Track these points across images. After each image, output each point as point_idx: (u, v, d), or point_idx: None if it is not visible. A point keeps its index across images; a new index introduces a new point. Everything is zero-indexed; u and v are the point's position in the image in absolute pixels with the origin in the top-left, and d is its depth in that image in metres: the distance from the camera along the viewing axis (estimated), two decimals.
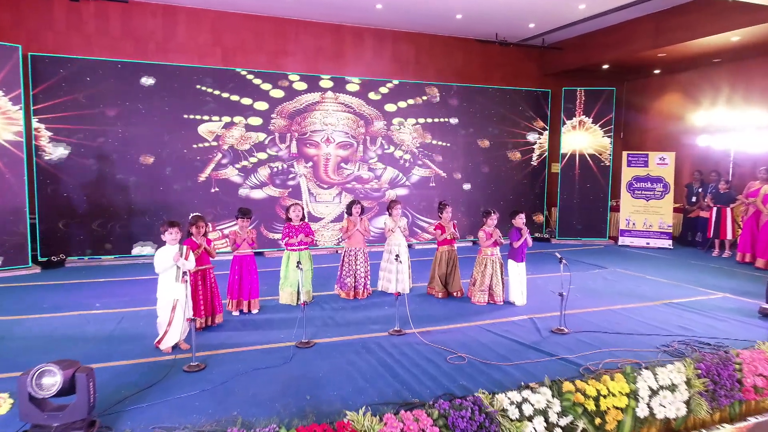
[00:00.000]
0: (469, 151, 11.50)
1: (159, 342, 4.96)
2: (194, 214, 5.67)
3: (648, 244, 11.21)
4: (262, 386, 4.20)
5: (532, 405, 3.67)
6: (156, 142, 9.26)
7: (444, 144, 11.26)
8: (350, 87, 10.43)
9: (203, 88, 9.46)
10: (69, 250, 8.86)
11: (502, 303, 6.66)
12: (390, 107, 10.74)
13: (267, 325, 5.80)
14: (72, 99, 8.71)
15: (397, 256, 5.76)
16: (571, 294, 7.07)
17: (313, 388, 4.18)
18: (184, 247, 5.03)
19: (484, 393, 3.66)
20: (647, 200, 11.32)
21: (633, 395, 3.97)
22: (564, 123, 11.84)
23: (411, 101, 10.91)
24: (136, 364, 4.64)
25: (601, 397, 3.87)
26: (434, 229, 7.18)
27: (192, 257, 5.09)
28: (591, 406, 3.80)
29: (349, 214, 7.01)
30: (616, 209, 11.90)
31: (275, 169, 10.04)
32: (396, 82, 10.84)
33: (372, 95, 10.59)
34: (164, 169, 9.35)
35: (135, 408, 3.82)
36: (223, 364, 4.67)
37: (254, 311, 6.23)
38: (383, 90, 10.68)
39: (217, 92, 9.54)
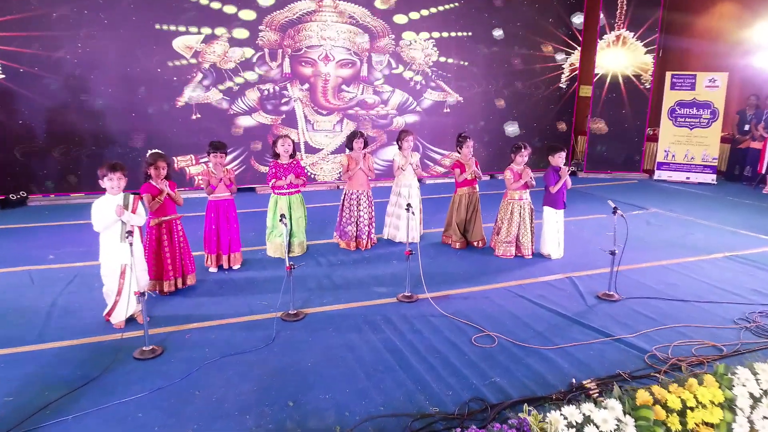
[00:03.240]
0: (488, 70, 9.99)
1: (109, 314, 3.95)
2: (152, 151, 4.48)
3: (688, 178, 9.95)
4: (231, 385, 3.20)
5: (598, 427, 2.65)
6: (123, 59, 7.86)
7: (460, 62, 9.75)
8: None
9: None
10: (31, 186, 7.75)
11: (530, 256, 5.57)
12: (399, 18, 9.16)
13: (249, 286, 4.76)
14: (17, 4, 7.25)
15: (408, 205, 4.60)
16: (609, 242, 5.98)
17: (299, 388, 3.18)
18: (131, 196, 3.90)
19: (532, 413, 2.63)
20: (691, 129, 9.93)
21: (729, 406, 2.94)
22: (601, 38, 10.21)
23: (424, 12, 9.30)
24: (76, 346, 3.64)
25: (688, 411, 2.84)
26: (452, 168, 5.97)
27: (142, 209, 3.97)
28: (675, 424, 2.78)
29: (350, 149, 5.79)
30: (653, 139, 10.54)
31: (266, 92, 8.67)
32: None
33: (378, 4, 8.98)
34: (135, 90, 8.01)
35: (55, 423, 2.83)
36: (186, 347, 3.66)
37: (236, 267, 5.19)
38: None
39: None
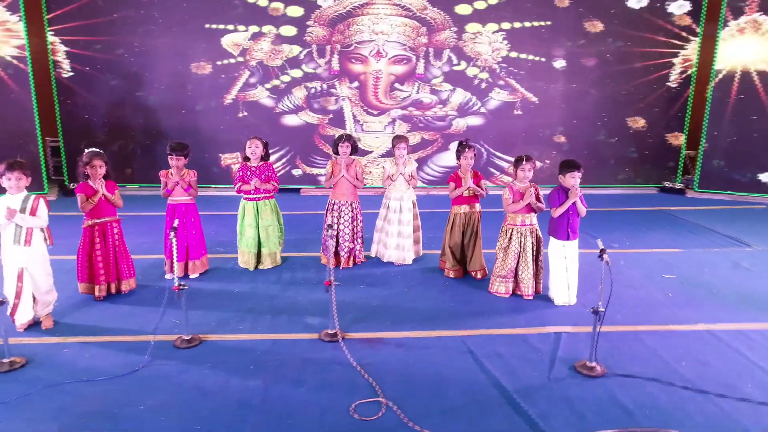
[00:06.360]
0: (572, 67, 8.56)
1: (13, 314, 3.83)
2: (89, 150, 4.33)
3: None
4: (38, 420, 2.81)
5: None
6: (174, 57, 8.09)
7: (536, 58, 8.47)
8: None
9: None
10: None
11: (530, 297, 4.44)
12: (462, 8, 8.21)
13: (190, 300, 4.19)
14: (82, 7, 7.78)
15: (329, 226, 3.83)
16: (660, 289, 4.61)
17: None
18: (31, 197, 3.74)
19: None
20: None
21: None
22: (725, 25, 8.16)
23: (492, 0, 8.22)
24: None
25: None
26: (447, 181, 5.03)
27: (44, 211, 3.78)
28: None
29: (336, 153, 5.16)
30: None
31: (313, 91, 8.34)
32: None
33: None
34: (186, 88, 8.20)
35: None
36: (49, 364, 3.38)
37: (193, 275, 4.87)
38: None
39: None
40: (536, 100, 8.60)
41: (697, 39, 8.48)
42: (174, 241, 3.59)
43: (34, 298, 3.83)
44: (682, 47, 8.53)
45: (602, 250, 3.32)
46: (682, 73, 8.63)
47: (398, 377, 3.28)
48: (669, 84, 8.67)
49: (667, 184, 8.97)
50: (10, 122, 7.48)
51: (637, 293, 4.62)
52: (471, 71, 8.41)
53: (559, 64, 8.49)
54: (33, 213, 3.71)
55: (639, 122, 8.79)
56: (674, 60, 8.57)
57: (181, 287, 3.55)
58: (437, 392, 3.13)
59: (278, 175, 8.45)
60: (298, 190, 8.59)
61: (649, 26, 8.41)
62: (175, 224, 3.65)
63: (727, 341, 3.76)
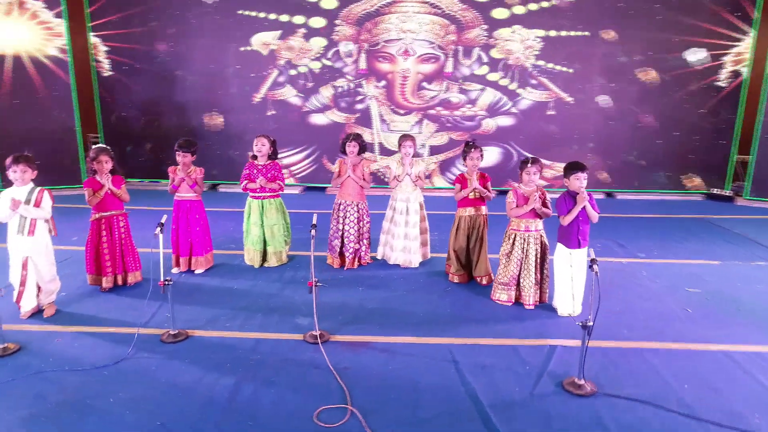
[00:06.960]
0: (610, 64, 8.13)
1: (18, 300, 4.00)
2: (96, 145, 4.46)
3: None
4: (16, 407, 2.91)
5: None
6: (207, 56, 8.28)
7: (571, 57, 8.10)
8: None
9: None
10: (131, 171, 8.65)
11: (532, 307, 4.23)
12: (495, 7, 7.96)
13: (185, 295, 4.42)
14: (123, 11, 8.10)
15: (313, 225, 3.76)
16: (680, 304, 4.30)
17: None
18: (36, 189, 3.89)
19: None
20: None
21: None
22: None
23: (533, 6, 7.93)
24: None
25: None
26: (453, 183, 4.87)
27: (48, 203, 3.91)
28: None
29: (343, 153, 5.10)
30: None
31: (340, 90, 8.33)
32: None
33: None
34: (216, 86, 8.38)
35: None
36: (42, 351, 3.49)
37: (198, 271, 4.95)
38: None
39: None
40: (571, 99, 8.23)
41: (752, 35, 7.86)
42: (161, 236, 3.62)
43: (38, 287, 3.99)
44: (736, 43, 7.93)
45: (593, 260, 3.09)
46: (732, 72, 8.03)
47: (374, 384, 3.18)
48: (718, 84, 8.09)
49: (715, 191, 8.38)
50: (53, 119, 7.88)
51: (654, 307, 4.31)
52: (499, 74, 8.14)
53: (597, 61, 8.09)
54: (37, 204, 3.86)
55: (685, 123, 8.24)
56: (724, 59, 7.99)
57: (166, 282, 3.59)
58: (409, 402, 3.01)
59: (304, 173, 8.61)
60: (323, 188, 8.61)
61: (696, 21, 7.88)
62: (162, 220, 3.69)
63: (742, 365, 3.43)
